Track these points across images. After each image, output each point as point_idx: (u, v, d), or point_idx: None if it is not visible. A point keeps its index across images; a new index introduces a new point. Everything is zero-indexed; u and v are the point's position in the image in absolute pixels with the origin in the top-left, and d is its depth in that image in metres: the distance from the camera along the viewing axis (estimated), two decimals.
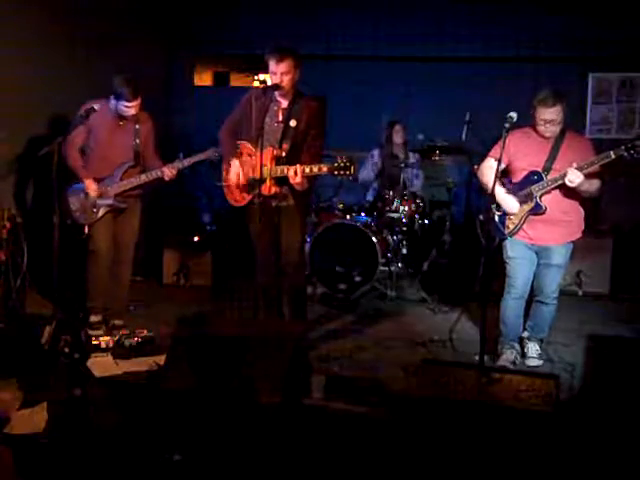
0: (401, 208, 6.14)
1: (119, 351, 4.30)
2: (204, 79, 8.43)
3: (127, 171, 4.91)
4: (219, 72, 8.62)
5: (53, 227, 4.44)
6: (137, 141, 4.92)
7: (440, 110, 6.59)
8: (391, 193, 6.16)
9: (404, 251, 6.20)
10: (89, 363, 4.07)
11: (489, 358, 4.35)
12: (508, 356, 4.39)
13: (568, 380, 4.00)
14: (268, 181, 4.23)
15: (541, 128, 4.14)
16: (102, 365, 4.11)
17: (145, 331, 4.46)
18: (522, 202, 4.23)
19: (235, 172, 4.36)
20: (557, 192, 4.16)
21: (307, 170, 4.12)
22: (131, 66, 6.38)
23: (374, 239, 5.83)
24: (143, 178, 4.91)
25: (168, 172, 4.86)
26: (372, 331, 5.15)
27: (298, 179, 4.11)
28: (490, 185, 3.97)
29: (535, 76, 6.48)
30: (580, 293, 6.15)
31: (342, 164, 4.03)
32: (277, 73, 4.21)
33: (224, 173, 4.47)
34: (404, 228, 6.16)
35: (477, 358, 3.83)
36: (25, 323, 4.37)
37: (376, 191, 6.50)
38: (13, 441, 3.06)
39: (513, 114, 3.92)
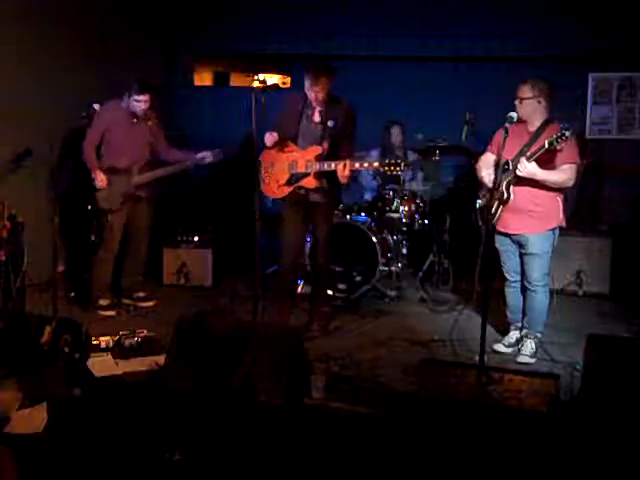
0: (401, 208, 6.14)
1: (119, 351, 4.30)
2: (204, 79, 8.42)
3: (145, 165, 5.36)
4: (219, 72, 8.61)
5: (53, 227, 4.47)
6: (152, 139, 5.38)
7: (440, 110, 6.58)
8: (391, 193, 6.16)
9: (404, 251, 6.20)
10: (89, 363, 4.07)
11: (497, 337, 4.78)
12: (510, 337, 4.68)
13: (568, 380, 4.00)
14: (312, 175, 4.67)
15: (516, 105, 4.26)
16: (102, 365, 4.11)
17: (145, 331, 4.47)
18: (496, 191, 4.30)
19: (278, 167, 4.78)
20: (527, 182, 4.24)
21: (357, 165, 4.58)
22: (131, 66, 6.41)
23: (374, 239, 5.82)
24: (170, 170, 5.43)
25: (209, 157, 5.39)
26: (372, 331, 5.15)
27: (347, 172, 4.52)
28: (480, 173, 4.48)
29: (535, 76, 6.46)
30: (580, 293, 6.14)
31: (393, 161, 4.45)
32: (312, 92, 4.61)
33: (264, 170, 4.85)
34: (404, 228, 6.16)
35: (477, 358, 3.84)
36: (25, 323, 4.37)
37: (375, 191, 6.49)
38: (13, 441, 3.06)
39: (513, 114, 3.95)
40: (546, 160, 4.16)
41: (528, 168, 4.11)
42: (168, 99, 7.57)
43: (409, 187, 6.34)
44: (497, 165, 4.05)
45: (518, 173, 4.15)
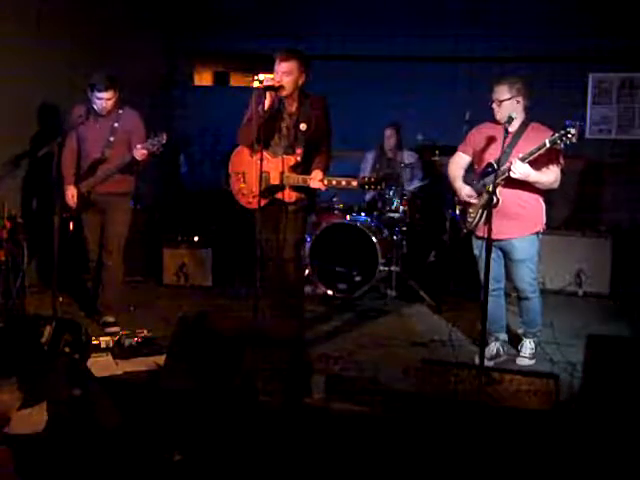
0: (401, 208, 6.14)
1: (119, 351, 4.29)
2: (204, 79, 8.44)
3: (97, 167, 4.88)
4: (219, 72, 8.62)
5: (53, 227, 4.46)
6: (111, 138, 4.86)
7: (440, 110, 6.59)
8: (391, 193, 6.16)
9: (404, 251, 6.21)
10: (89, 363, 4.07)
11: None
12: (490, 350, 4.45)
13: (568, 380, 4.00)
14: (287, 188, 4.31)
15: (494, 109, 4.18)
16: (102, 365, 4.11)
17: (145, 331, 4.46)
18: (478, 195, 4.25)
19: (251, 177, 4.34)
20: (514, 185, 4.12)
21: (334, 182, 4.24)
22: (131, 66, 6.41)
23: (374, 239, 5.82)
24: (106, 169, 4.85)
25: (138, 152, 4.69)
26: (372, 331, 5.15)
27: (322, 187, 4.24)
28: (452, 177, 4.37)
29: (535, 76, 6.48)
30: (580, 293, 6.15)
31: (372, 179, 4.17)
32: (278, 72, 4.20)
33: (236, 177, 4.49)
34: (404, 228, 6.16)
35: (477, 358, 3.83)
36: (25, 323, 4.37)
37: (374, 191, 6.49)
38: (13, 441, 3.06)
39: (512, 114, 3.92)
40: (530, 161, 4.04)
41: (522, 169, 3.99)
42: (168, 99, 7.59)
43: (409, 187, 6.34)
44: (471, 167, 4.00)
45: (512, 175, 4.01)
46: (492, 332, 4.50)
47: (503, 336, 4.55)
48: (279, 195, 4.36)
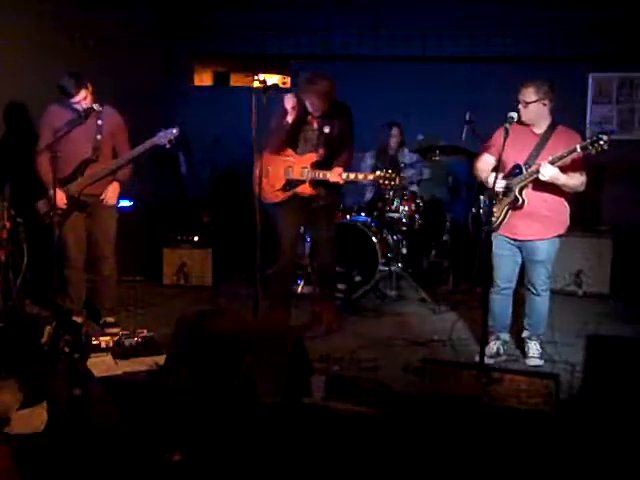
0: (401, 208, 6.14)
1: (119, 351, 4.29)
2: (204, 79, 8.43)
3: (87, 167, 4.81)
4: (219, 72, 8.62)
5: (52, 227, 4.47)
6: (98, 137, 4.80)
7: (440, 110, 6.58)
8: (391, 193, 6.16)
9: (404, 251, 6.20)
10: (89, 363, 4.07)
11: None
12: (490, 348, 4.44)
13: (568, 380, 4.00)
14: (307, 183, 4.76)
15: (520, 110, 4.17)
16: (102, 365, 4.11)
17: (145, 331, 4.46)
18: (504, 195, 4.27)
19: (274, 172, 4.80)
20: (540, 187, 4.15)
21: (352, 177, 4.73)
22: (131, 66, 6.41)
23: (374, 239, 5.82)
24: (100, 169, 4.79)
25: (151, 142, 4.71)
26: (372, 331, 5.15)
27: (341, 181, 4.70)
28: (484, 177, 4.36)
29: (535, 76, 6.47)
30: (580, 293, 6.15)
31: (388, 175, 4.60)
32: (315, 105, 4.65)
33: (258, 173, 4.66)
34: (404, 228, 6.16)
35: (477, 358, 3.83)
36: (25, 323, 4.37)
37: (375, 191, 6.50)
38: (13, 441, 3.06)
39: (513, 114, 3.93)
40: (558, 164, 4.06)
41: (552, 172, 4.01)
42: (168, 99, 7.58)
43: (409, 187, 6.34)
44: (496, 169, 4.00)
45: (541, 177, 4.02)
46: (495, 330, 4.52)
47: (504, 336, 4.55)
48: (298, 189, 4.79)
